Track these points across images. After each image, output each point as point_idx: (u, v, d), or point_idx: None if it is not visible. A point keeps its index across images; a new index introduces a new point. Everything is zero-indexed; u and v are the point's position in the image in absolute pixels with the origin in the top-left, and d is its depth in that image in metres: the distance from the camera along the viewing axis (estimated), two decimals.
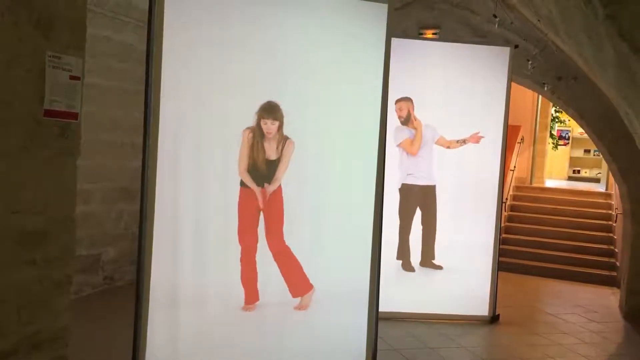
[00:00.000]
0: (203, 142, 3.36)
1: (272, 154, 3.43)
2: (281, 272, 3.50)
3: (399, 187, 5.34)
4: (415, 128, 5.31)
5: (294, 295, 3.52)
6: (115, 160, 5.79)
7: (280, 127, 3.42)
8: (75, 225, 2.30)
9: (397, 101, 5.26)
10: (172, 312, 3.31)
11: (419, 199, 5.40)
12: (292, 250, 3.53)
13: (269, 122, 3.38)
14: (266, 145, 3.41)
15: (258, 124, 3.38)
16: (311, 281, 3.57)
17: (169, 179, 3.27)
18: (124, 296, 5.21)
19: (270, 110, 3.38)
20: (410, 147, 5.32)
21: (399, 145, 5.32)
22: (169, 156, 3.25)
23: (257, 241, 3.47)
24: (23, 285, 2.13)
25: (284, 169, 3.45)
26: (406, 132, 5.33)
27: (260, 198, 3.43)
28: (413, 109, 5.29)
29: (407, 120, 5.30)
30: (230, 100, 3.39)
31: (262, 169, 3.42)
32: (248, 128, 3.38)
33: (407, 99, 5.28)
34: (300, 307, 3.54)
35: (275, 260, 3.49)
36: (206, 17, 3.31)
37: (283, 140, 3.43)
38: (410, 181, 5.36)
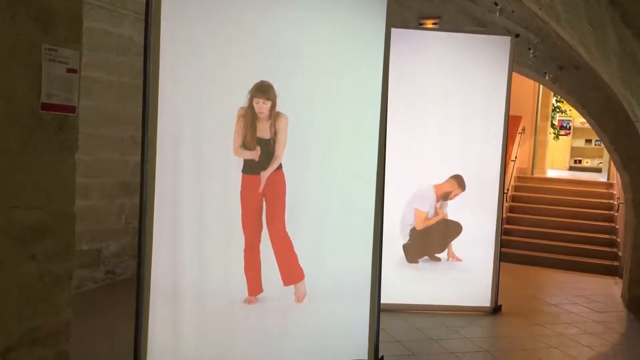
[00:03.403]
0: (202, 135, 3.34)
1: (265, 134, 3.40)
2: (276, 256, 3.48)
3: (408, 239, 5.36)
4: (439, 210, 5.33)
5: (286, 283, 3.50)
6: (115, 154, 5.78)
7: (273, 108, 3.38)
8: (75, 219, 2.29)
9: (459, 183, 5.27)
10: (174, 305, 3.31)
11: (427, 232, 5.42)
12: (294, 243, 3.51)
13: (260, 101, 3.36)
14: (258, 125, 3.38)
15: (250, 104, 3.35)
16: (313, 273, 3.56)
17: (168, 173, 3.25)
18: (126, 290, 5.21)
19: (263, 90, 3.34)
20: (420, 223, 5.33)
21: (414, 209, 5.31)
22: (168, 150, 3.24)
23: (261, 229, 3.46)
24: (23, 281, 2.12)
25: (282, 145, 3.43)
26: (428, 204, 5.32)
27: (262, 182, 3.40)
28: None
29: (447, 198, 5.32)
30: (229, 93, 3.37)
31: (255, 145, 3.39)
32: (241, 107, 3.35)
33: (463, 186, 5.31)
34: (297, 299, 3.53)
35: (272, 244, 3.47)
36: (204, 10, 3.28)
37: (275, 116, 3.40)
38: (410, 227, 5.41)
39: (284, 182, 3.47)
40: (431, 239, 5.40)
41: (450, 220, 5.39)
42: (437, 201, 5.35)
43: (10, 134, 2.05)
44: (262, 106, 3.36)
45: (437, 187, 5.34)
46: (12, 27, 2.03)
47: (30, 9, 2.08)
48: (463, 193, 5.37)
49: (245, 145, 3.38)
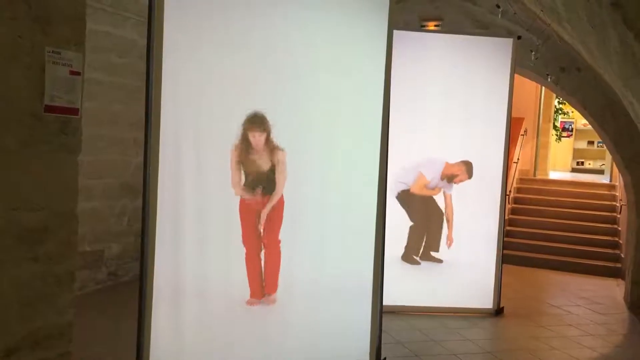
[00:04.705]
0: (204, 137, 3.34)
1: (264, 165, 3.42)
2: (265, 264, 3.48)
3: (396, 195, 5.31)
4: (437, 190, 5.34)
5: (268, 291, 3.50)
6: (118, 156, 5.79)
7: (268, 138, 3.40)
8: (77, 221, 2.29)
9: (467, 168, 5.28)
10: (176, 306, 3.31)
11: (416, 201, 5.40)
12: (296, 243, 3.53)
13: (257, 134, 3.37)
14: (256, 157, 3.39)
15: (244, 137, 3.35)
16: (315, 275, 3.57)
17: (171, 175, 3.25)
18: (128, 292, 5.22)
19: (256, 122, 3.35)
20: (417, 187, 5.32)
21: (418, 172, 5.29)
22: (170, 152, 3.24)
23: (261, 238, 3.48)
24: (25, 282, 2.12)
25: (283, 181, 3.45)
26: (432, 174, 5.30)
27: (262, 210, 3.43)
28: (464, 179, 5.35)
29: (451, 180, 5.32)
30: (231, 95, 3.38)
31: (255, 181, 3.42)
32: (233, 146, 3.33)
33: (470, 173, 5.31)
34: (271, 302, 3.53)
35: (265, 251, 3.49)
36: (206, 12, 3.29)
37: (273, 150, 3.41)
38: (404, 187, 5.38)
39: (282, 201, 3.48)
40: (414, 213, 5.39)
41: (437, 206, 5.38)
42: (442, 179, 5.34)
43: (11, 135, 2.05)
44: (258, 139, 3.37)
45: (447, 165, 5.34)
46: (13, 28, 2.03)
47: (31, 10, 2.09)
48: (464, 189, 5.37)
49: (247, 181, 3.39)
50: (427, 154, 5.34)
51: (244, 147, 3.35)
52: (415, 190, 5.34)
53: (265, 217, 3.45)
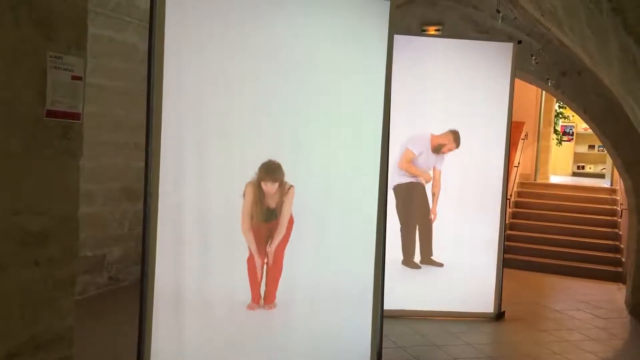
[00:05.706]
0: (206, 142, 3.35)
1: (272, 204, 3.47)
2: (267, 275, 3.49)
3: (392, 187, 5.25)
4: (428, 176, 5.30)
5: (267, 301, 3.50)
6: (119, 160, 5.79)
7: (280, 185, 3.44)
8: (78, 225, 2.29)
9: (454, 137, 5.25)
10: (177, 311, 3.31)
11: (410, 197, 5.38)
12: (296, 247, 3.53)
13: (269, 184, 3.42)
14: (268, 200, 3.45)
15: (259, 184, 3.41)
16: (316, 279, 3.57)
17: (172, 179, 3.26)
18: (129, 296, 5.21)
19: (270, 172, 3.41)
20: (404, 162, 5.27)
21: (403, 151, 5.25)
22: (172, 156, 3.25)
23: (267, 250, 3.51)
24: (26, 286, 2.12)
25: (287, 217, 3.48)
26: (420, 149, 5.25)
27: (260, 261, 3.47)
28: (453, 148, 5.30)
29: (439, 150, 5.28)
30: (232, 99, 3.38)
31: (263, 217, 3.46)
32: (250, 184, 3.39)
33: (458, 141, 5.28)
34: (272, 307, 3.54)
35: (268, 262, 3.51)
36: (207, 17, 3.30)
37: (284, 191, 3.46)
38: (403, 180, 5.35)
39: (292, 220, 3.51)
40: (405, 209, 5.35)
41: (428, 207, 5.36)
42: (432, 152, 5.30)
43: (13, 138, 2.06)
44: (270, 188, 3.43)
45: (433, 136, 5.31)
46: (15, 32, 2.04)
47: (33, 14, 2.09)
48: (465, 193, 5.36)
49: (257, 218, 3.44)
50: (412, 130, 5.28)
51: (257, 192, 3.41)
52: (402, 166, 5.26)
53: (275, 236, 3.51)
